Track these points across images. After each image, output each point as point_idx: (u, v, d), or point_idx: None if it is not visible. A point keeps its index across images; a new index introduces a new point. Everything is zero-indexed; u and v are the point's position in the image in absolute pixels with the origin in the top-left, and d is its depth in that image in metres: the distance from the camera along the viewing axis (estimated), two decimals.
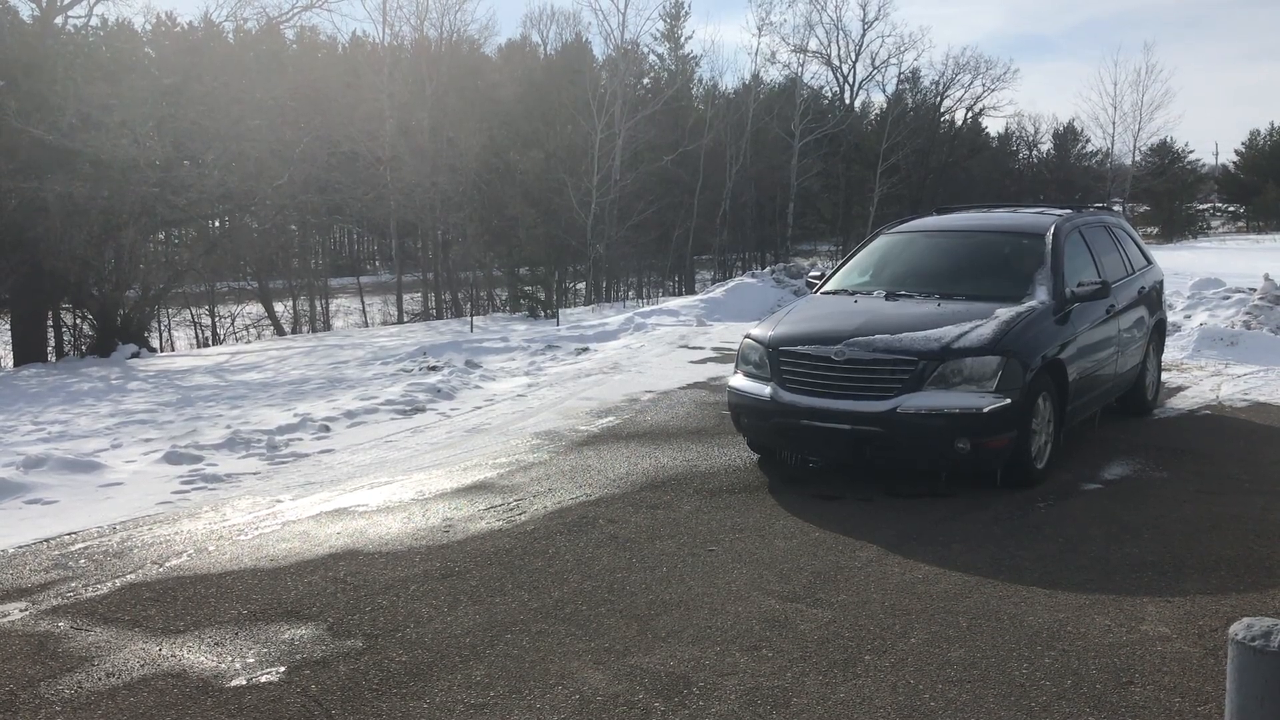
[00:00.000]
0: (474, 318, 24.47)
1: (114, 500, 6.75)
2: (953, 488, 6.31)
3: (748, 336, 6.99)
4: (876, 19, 55.91)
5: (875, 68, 48.01)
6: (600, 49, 47.01)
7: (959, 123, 50.96)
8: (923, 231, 8.10)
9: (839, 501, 6.09)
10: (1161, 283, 9.21)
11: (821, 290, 7.80)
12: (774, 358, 6.59)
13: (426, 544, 5.43)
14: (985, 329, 6.23)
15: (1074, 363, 6.75)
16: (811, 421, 6.28)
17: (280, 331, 28.24)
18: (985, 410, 5.94)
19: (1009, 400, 6.00)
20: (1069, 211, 8.08)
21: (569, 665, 3.93)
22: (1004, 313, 6.45)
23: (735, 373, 7.00)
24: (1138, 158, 48.77)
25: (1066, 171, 51.65)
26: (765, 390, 6.56)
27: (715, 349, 12.99)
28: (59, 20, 17.86)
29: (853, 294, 7.39)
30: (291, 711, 3.62)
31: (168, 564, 5.24)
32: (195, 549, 5.48)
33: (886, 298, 7.10)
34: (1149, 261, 8.92)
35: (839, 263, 8.19)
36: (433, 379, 11.27)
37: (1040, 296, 6.77)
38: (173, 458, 7.81)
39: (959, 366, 6.07)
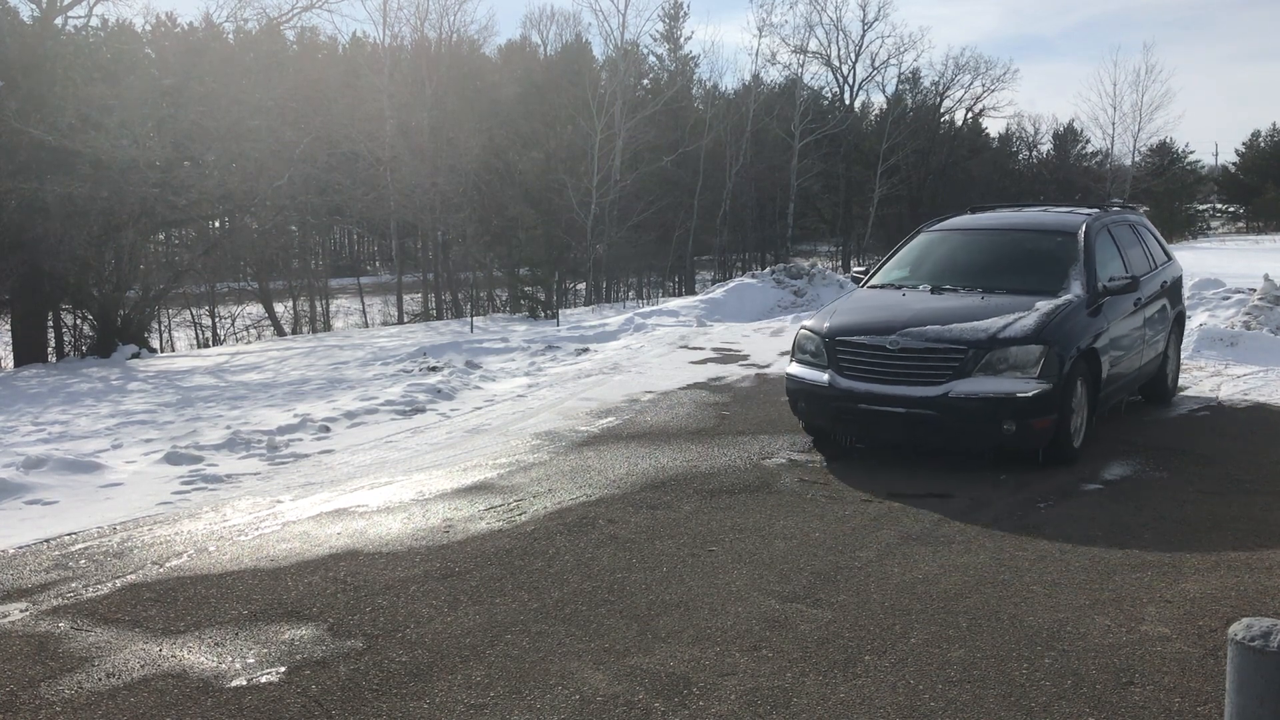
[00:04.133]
0: (474, 318, 24.46)
1: (114, 500, 6.75)
2: (952, 489, 6.31)
3: (804, 328, 7.48)
4: (876, 19, 55.93)
5: (875, 68, 47.98)
6: (600, 49, 47.01)
7: (959, 123, 50.98)
8: (961, 229, 8.53)
9: (839, 502, 6.09)
10: (1181, 278, 9.62)
11: (868, 285, 8.27)
12: (830, 347, 7.08)
13: (426, 544, 5.43)
14: (1028, 320, 6.73)
15: (1106, 352, 7.26)
16: (868, 405, 6.79)
17: (280, 332, 28.24)
18: (1030, 394, 6.45)
19: (1050, 385, 6.49)
20: (1097, 210, 8.54)
21: (569, 665, 3.93)
22: (1043, 305, 6.94)
23: (791, 362, 7.51)
24: (1137, 158, 48.70)
25: (1066, 172, 51.58)
26: (823, 377, 7.05)
27: (715, 349, 12.98)
28: (59, 21, 17.85)
29: (899, 288, 7.85)
30: (292, 712, 3.62)
31: (168, 564, 5.24)
32: (195, 549, 5.48)
33: (932, 291, 7.59)
34: (1169, 257, 9.36)
35: (882, 259, 8.64)
36: (433, 379, 11.27)
37: (1075, 290, 7.25)
38: (173, 458, 7.81)
39: (1005, 355, 6.56)
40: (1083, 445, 7.04)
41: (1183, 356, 11.00)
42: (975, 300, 7.23)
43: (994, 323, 6.73)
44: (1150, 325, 8.23)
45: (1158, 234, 9.49)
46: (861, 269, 8.87)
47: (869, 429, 7.07)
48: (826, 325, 7.25)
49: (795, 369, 7.40)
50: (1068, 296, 7.16)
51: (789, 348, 12.78)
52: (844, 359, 6.99)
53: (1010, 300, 7.10)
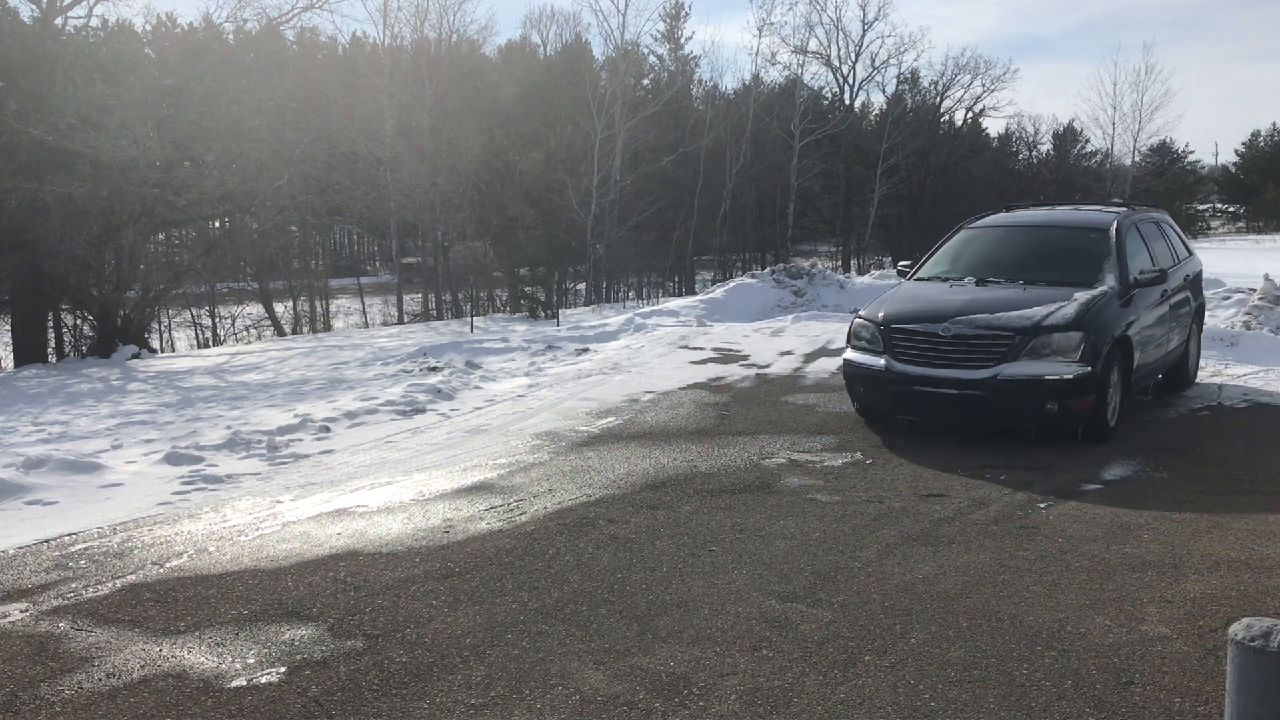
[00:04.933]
0: (474, 318, 24.47)
1: (114, 501, 6.75)
2: (952, 489, 6.31)
3: (859, 317, 8.10)
4: (876, 19, 55.88)
5: (875, 68, 47.94)
6: (600, 49, 47.02)
7: (959, 123, 50.93)
8: (1000, 226, 9.12)
9: (839, 502, 6.09)
10: (1201, 272, 10.17)
11: (914, 278, 8.82)
12: (886, 334, 7.67)
13: (427, 544, 5.43)
14: (1068, 309, 7.33)
15: (1137, 338, 7.83)
16: (923, 387, 7.39)
17: (280, 332, 28.25)
18: (1071, 377, 7.06)
19: (1089, 369, 7.09)
20: (1126, 209, 9.18)
21: (569, 665, 3.93)
22: (1081, 296, 7.53)
23: (847, 348, 8.15)
24: (1137, 158, 48.62)
25: (1066, 172, 51.52)
26: (879, 362, 7.65)
27: (715, 349, 12.98)
28: (59, 21, 17.85)
29: (945, 280, 8.43)
30: (292, 712, 3.62)
31: (168, 564, 5.24)
32: (195, 549, 5.48)
33: (977, 283, 8.15)
34: (1190, 253, 9.94)
35: (927, 254, 9.22)
36: (433, 380, 11.27)
37: (1109, 282, 7.82)
38: (173, 458, 7.81)
39: (1048, 341, 7.16)
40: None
41: None
42: (1018, 291, 7.79)
43: (1037, 311, 7.31)
44: (1175, 315, 8.77)
45: (1180, 231, 10.03)
46: (907, 263, 9.48)
47: (923, 409, 7.65)
48: (881, 314, 7.82)
49: (852, 355, 7.99)
50: (1103, 288, 7.71)
51: (789, 348, 12.83)
52: (899, 345, 7.57)
53: (1050, 291, 7.65)
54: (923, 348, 7.45)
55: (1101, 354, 7.17)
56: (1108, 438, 7.43)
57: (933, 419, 7.80)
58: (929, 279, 8.63)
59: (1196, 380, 9.67)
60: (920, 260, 9.18)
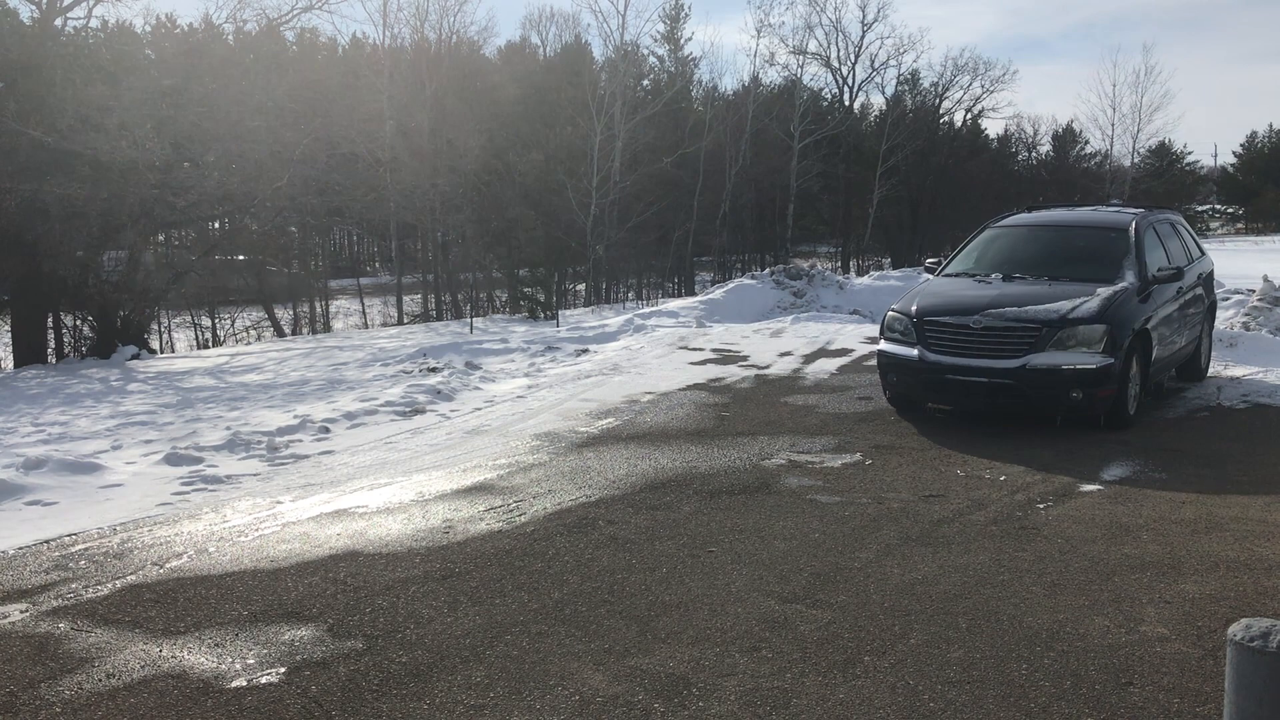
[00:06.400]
0: (474, 319, 24.46)
1: (114, 501, 6.75)
2: (951, 489, 6.31)
3: (892, 310, 8.50)
4: (875, 21, 55.79)
5: (874, 69, 47.93)
6: (600, 50, 46.88)
7: (958, 124, 50.92)
8: (1023, 225, 9.53)
9: (838, 503, 6.09)
10: (1213, 271, 10.61)
11: (943, 274, 9.22)
12: (919, 326, 8.06)
13: (426, 545, 5.43)
14: (1091, 304, 7.72)
15: (1156, 332, 8.21)
16: (954, 376, 7.81)
17: (280, 333, 28.22)
18: (1095, 367, 7.47)
19: (1112, 360, 7.49)
20: (1143, 210, 9.55)
21: (569, 666, 3.93)
22: (1103, 291, 7.91)
23: (881, 340, 8.53)
24: (1136, 159, 48.69)
25: (1065, 173, 51.54)
26: (913, 352, 8.04)
27: (715, 350, 12.98)
28: (58, 22, 17.84)
29: (973, 276, 8.80)
30: (292, 712, 3.62)
31: (168, 565, 5.24)
32: (195, 550, 5.48)
33: (1004, 279, 8.53)
34: (1202, 253, 10.37)
35: (954, 252, 9.63)
36: (432, 380, 11.27)
37: (1129, 279, 8.22)
38: (173, 459, 7.81)
39: (1073, 332, 7.57)
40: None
41: None
42: (1043, 286, 8.16)
43: (1063, 305, 7.69)
44: (1189, 311, 9.14)
45: (1192, 232, 10.40)
46: (934, 260, 9.91)
47: (955, 397, 8.11)
48: (914, 308, 8.19)
49: (886, 346, 8.38)
50: (1123, 284, 8.09)
51: (788, 349, 12.83)
52: (931, 336, 7.96)
53: (1074, 287, 8.01)
54: (954, 339, 7.84)
55: (1123, 346, 7.53)
56: (1128, 426, 7.79)
57: (963, 406, 8.23)
58: (956, 275, 9.00)
59: (1208, 374, 9.98)
60: (948, 257, 9.55)
